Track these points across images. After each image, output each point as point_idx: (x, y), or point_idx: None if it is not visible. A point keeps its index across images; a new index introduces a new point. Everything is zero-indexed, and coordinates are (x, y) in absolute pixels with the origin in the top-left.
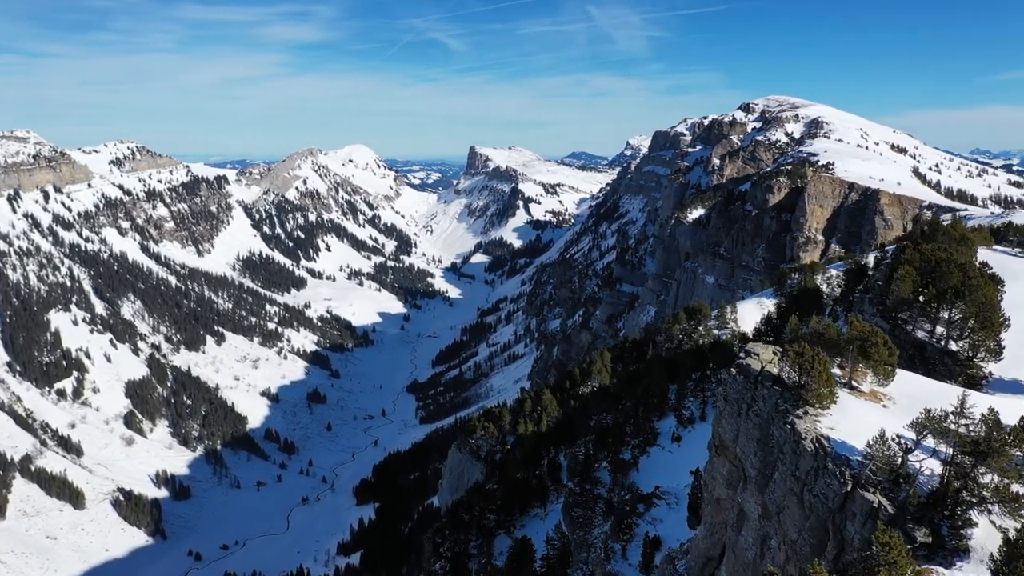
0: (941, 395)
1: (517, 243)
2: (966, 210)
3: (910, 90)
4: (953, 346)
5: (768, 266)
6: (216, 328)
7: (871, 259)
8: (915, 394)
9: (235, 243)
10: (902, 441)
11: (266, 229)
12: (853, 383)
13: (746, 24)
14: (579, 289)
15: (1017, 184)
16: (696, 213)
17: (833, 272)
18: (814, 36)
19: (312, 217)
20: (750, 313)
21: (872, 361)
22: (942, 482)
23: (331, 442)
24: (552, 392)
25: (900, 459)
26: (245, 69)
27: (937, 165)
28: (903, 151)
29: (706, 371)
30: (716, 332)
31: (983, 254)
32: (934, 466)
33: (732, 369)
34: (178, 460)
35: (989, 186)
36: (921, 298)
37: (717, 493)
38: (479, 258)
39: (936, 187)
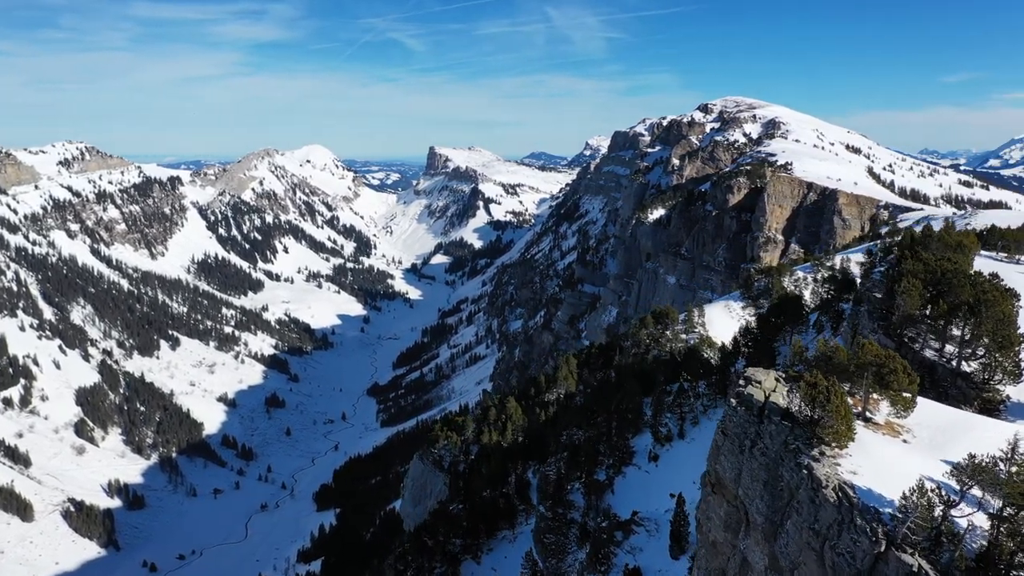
0: (962, 425)
1: (477, 244)
2: (922, 209)
3: (862, 92)
4: (966, 367)
5: (729, 266)
6: (170, 332)
7: (838, 260)
8: (935, 424)
9: (190, 245)
10: (942, 491)
11: (222, 231)
12: (867, 414)
13: (701, 26)
14: (540, 290)
15: (967, 184)
16: (657, 213)
17: (800, 274)
18: (768, 38)
19: (269, 218)
20: (718, 317)
21: (891, 391)
22: (992, 541)
23: (290, 447)
24: (517, 400)
25: (941, 513)
26: (201, 68)
27: (890, 165)
28: (857, 151)
29: (682, 384)
30: (684, 337)
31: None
32: (980, 521)
33: (732, 399)
34: (132, 469)
35: (940, 185)
36: (929, 313)
37: (713, 535)
38: (439, 259)
39: (890, 187)
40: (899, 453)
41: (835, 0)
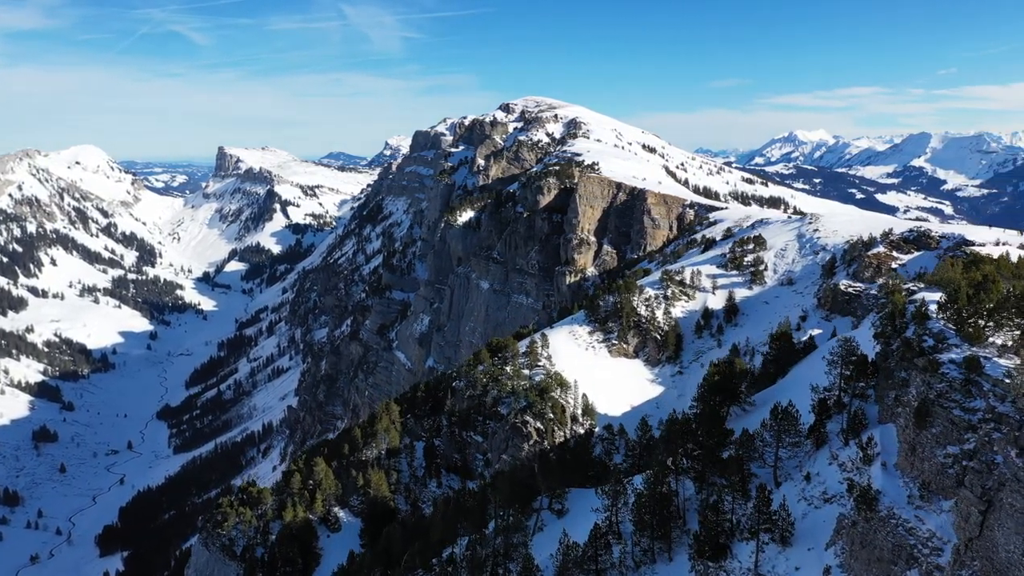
0: None
1: (276, 248)
2: (726, 207)
3: (647, 95)
4: None
5: (543, 269)
6: None
7: (687, 273)
8: None
9: None
10: None
11: None
12: None
13: (496, 28)
14: (346, 296)
15: (749, 181)
16: (466, 216)
17: (651, 292)
18: (561, 39)
19: (31, 228)
20: (564, 345)
21: None
22: None
23: (66, 486)
24: (327, 460)
25: None
26: None
27: (683, 164)
28: (653, 151)
29: (597, 526)
30: (527, 373)
31: None
32: None
33: None
34: None
35: (727, 183)
36: None
37: None
38: (235, 266)
39: (686, 184)
40: None
41: (620, 7)
